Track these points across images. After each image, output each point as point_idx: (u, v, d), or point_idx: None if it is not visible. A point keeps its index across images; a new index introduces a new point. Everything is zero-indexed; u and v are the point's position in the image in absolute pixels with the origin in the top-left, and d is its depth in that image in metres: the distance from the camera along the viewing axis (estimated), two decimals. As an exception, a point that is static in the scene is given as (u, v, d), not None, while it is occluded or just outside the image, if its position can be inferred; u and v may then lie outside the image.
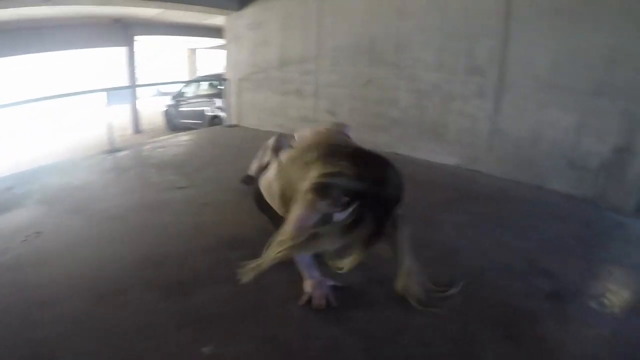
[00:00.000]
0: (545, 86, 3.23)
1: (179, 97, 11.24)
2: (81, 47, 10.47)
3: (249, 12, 5.90)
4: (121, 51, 11.38)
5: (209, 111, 9.64)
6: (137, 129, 12.17)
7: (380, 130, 4.57)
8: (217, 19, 8.21)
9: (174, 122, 11.56)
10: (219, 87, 8.83)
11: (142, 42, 12.52)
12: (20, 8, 6.69)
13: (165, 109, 12.04)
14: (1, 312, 1.88)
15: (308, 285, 1.83)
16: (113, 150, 5.04)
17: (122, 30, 10.67)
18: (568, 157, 3.22)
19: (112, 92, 5.13)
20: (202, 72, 16.92)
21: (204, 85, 10.43)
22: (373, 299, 1.89)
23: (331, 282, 1.88)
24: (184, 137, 5.98)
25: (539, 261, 2.23)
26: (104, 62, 16.79)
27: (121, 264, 2.25)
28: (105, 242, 2.62)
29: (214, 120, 9.42)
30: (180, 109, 11.03)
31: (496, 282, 2.03)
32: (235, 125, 6.54)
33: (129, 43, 11.19)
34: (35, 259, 2.40)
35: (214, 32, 11.04)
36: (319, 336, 1.65)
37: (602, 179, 3.11)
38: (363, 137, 4.52)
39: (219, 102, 9.04)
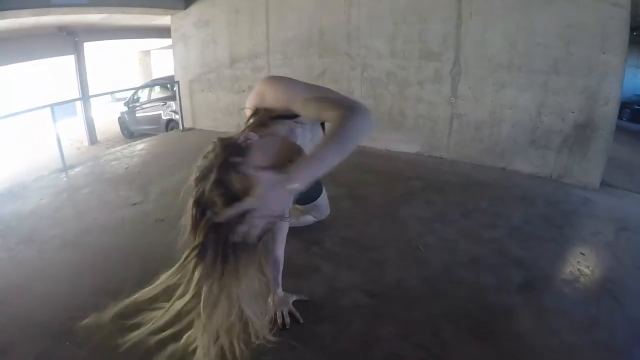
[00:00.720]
0: (502, 67, 3.19)
1: (133, 102, 10.87)
2: (28, 59, 9.99)
3: (194, 10, 5.68)
4: (70, 60, 10.88)
5: (164, 115, 9.35)
6: (93, 140, 11.76)
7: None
8: (165, 19, 7.92)
9: (129, 129, 11.23)
10: (173, 89, 8.54)
11: (92, 49, 11.99)
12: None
13: (119, 116, 11.65)
14: None
15: (272, 302, 1.72)
16: (65, 168, 4.78)
17: (68, 38, 10.25)
18: (530, 137, 3.20)
19: (56, 106, 4.82)
20: (157, 74, 16.41)
21: (157, 89, 10.09)
22: (337, 311, 1.78)
23: (294, 297, 1.77)
24: (138, 147, 5.73)
25: (508, 250, 2.16)
26: (54, 73, 16.09)
27: (77, 297, 2.11)
28: (60, 273, 2.48)
29: (170, 123, 9.15)
30: (135, 114, 10.67)
31: (466, 278, 1.95)
32: (190, 129, 6.32)
33: (78, 51, 10.71)
34: None
35: (165, 32, 10.66)
36: (286, 357, 1.53)
37: (565, 157, 3.09)
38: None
39: (173, 104, 8.76)
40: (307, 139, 1.51)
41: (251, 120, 1.32)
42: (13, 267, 2.64)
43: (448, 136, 3.59)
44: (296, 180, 1.08)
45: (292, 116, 1.33)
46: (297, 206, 2.38)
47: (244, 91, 5.36)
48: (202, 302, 1.16)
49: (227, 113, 5.74)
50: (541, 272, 1.98)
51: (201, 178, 1.11)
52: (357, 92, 4.16)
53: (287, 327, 1.63)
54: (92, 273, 2.37)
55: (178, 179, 3.22)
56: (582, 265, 2.02)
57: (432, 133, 3.70)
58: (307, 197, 2.30)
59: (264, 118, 1.33)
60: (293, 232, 2.29)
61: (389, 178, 3.33)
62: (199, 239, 1.11)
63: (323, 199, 2.33)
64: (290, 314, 1.69)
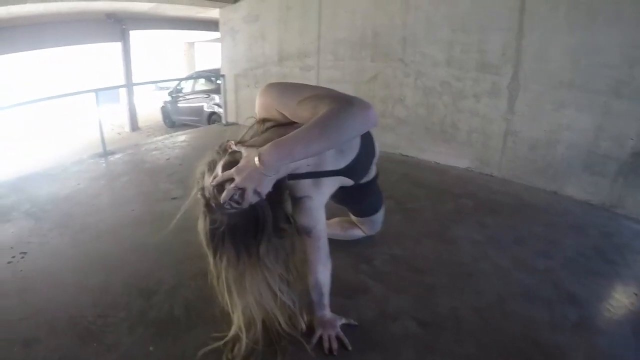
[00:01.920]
0: (562, 85, 3.09)
1: (176, 93, 11.24)
2: (75, 44, 10.47)
3: (244, 4, 5.79)
4: (116, 46, 11.37)
5: (207, 107, 9.62)
6: (134, 127, 12.23)
7: (385, 129, 4.42)
8: (213, 12, 8.15)
9: (171, 119, 11.63)
10: (217, 82, 8.77)
11: (138, 37, 12.48)
12: (11, 6, 6.67)
13: (162, 105, 12.07)
14: None
15: (318, 324, 1.67)
16: (105, 153, 4.97)
17: (115, 25, 10.69)
18: (585, 162, 3.10)
19: (101, 91, 5.06)
20: (201, 66, 16.93)
21: (202, 81, 10.40)
22: (387, 339, 1.74)
23: (343, 320, 1.72)
24: (180, 138, 5.89)
25: (562, 283, 2.10)
26: (100, 58, 16.80)
27: (108, 294, 2.14)
28: (92, 265, 2.52)
29: (212, 116, 9.41)
30: (178, 105, 11.03)
31: (519, 311, 1.89)
32: (233, 124, 6.45)
33: (124, 38, 11.17)
34: (20, 286, 2.33)
35: (212, 25, 11.04)
36: None
37: (620, 186, 2.98)
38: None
39: (217, 98, 8.99)
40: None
41: (247, 131, 1.46)
42: (44, 254, 2.70)
43: (501, 153, 3.52)
44: (265, 157, 1.19)
45: (290, 124, 1.38)
46: (351, 217, 2.36)
47: (290, 90, 5.43)
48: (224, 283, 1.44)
49: (271, 111, 5.82)
50: (595, 310, 1.93)
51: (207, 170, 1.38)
52: (409, 100, 4.13)
53: (335, 353, 1.59)
54: (125, 269, 2.39)
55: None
56: (635, 307, 1.95)
57: (484, 149, 3.64)
58: (365, 210, 2.28)
59: (258, 130, 1.44)
60: (340, 244, 2.30)
61: (438, 193, 3.29)
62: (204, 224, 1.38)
63: (380, 215, 2.30)
64: (338, 338, 1.64)
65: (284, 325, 1.53)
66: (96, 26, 10.30)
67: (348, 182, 1.78)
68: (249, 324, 1.51)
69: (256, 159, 1.20)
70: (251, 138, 1.41)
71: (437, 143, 4.01)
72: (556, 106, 3.14)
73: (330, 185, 1.71)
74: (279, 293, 1.49)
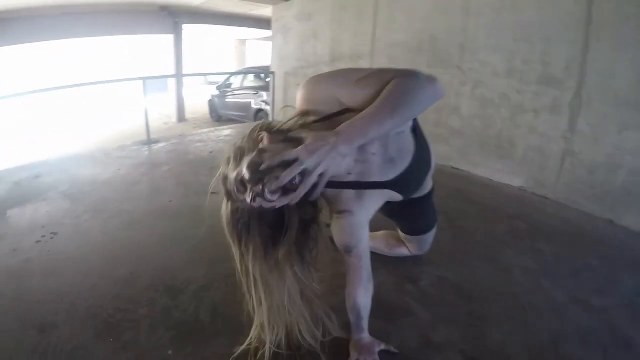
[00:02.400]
0: (628, 105, 2.96)
1: (225, 87, 11.53)
2: (127, 34, 11.00)
3: (298, 2, 5.89)
4: (168, 39, 11.79)
5: (254, 104, 9.80)
6: (182, 118, 12.65)
7: (438, 140, 4.37)
8: (266, 10, 8.34)
9: (218, 113, 11.95)
10: (266, 80, 8.93)
11: (191, 31, 12.90)
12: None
13: (210, 99, 12.42)
14: None
15: (355, 348, 1.60)
16: (149, 142, 5.18)
17: (168, 18, 11.12)
18: None
19: (149, 81, 5.27)
20: (251, 64, 17.31)
21: (251, 77, 10.62)
22: None
23: (382, 346, 1.64)
24: (225, 132, 6.06)
25: (619, 326, 1.99)
26: (150, 49, 17.48)
27: (133, 288, 2.18)
28: (121, 254, 2.59)
29: (259, 113, 9.58)
30: (226, 100, 11.30)
31: (573, 354, 1.79)
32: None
33: (177, 31, 11.57)
34: (45, 267, 2.43)
35: (264, 23, 11.31)
36: None
37: None
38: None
39: (265, 95, 9.16)
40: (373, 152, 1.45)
41: (284, 122, 1.35)
42: (74, 237, 2.81)
43: (557, 175, 3.42)
44: (344, 135, 1.16)
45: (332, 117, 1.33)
46: (399, 233, 2.28)
47: (341, 92, 5.47)
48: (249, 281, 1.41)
49: (320, 111, 5.87)
50: None
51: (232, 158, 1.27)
52: (464, 110, 4.09)
53: None
54: (154, 262, 2.42)
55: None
56: None
57: (540, 169, 3.54)
58: (416, 228, 2.19)
59: (296, 123, 1.35)
60: (384, 259, 2.29)
61: (490, 212, 3.24)
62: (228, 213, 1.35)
63: (432, 235, 2.20)
64: None
65: (305, 334, 1.51)
66: (149, 18, 10.77)
67: (396, 197, 1.62)
68: (272, 326, 1.49)
69: (333, 137, 1.17)
70: (289, 130, 1.32)
71: (492, 158, 3.94)
72: (620, 128, 3.02)
73: (376, 200, 1.57)
74: (307, 301, 1.50)
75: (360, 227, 1.52)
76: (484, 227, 2.98)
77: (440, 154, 4.14)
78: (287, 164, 1.15)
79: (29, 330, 1.86)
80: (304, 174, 1.16)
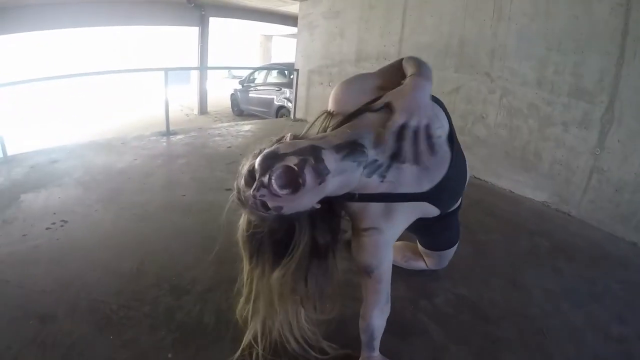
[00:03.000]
0: None
1: (248, 82, 11.60)
2: (153, 24, 11.17)
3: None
4: (194, 31, 11.91)
5: (276, 100, 9.85)
6: (204, 110, 12.78)
7: (462, 148, 4.31)
8: (292, 7, 8.38)
9: (240, 108, 12.08)
10: (290, 76, 8.95)
11: (217, 25, 13.01)
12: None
13: (232, 93, 12.53)
14: None
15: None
16: (167, 133, 5.23)
17: (195, 10, 11.24)
18: None
19: (171, 72, 5.30)
20: (275, 60, 17.44)
21: (274, 73, 10.67)
22: None
23: None
24: (245, 127, 6.10)
25: (635, 357, 1.94)
26: (176, 41, 17.67)
27: (138, 283, 2.19)
28: (129, 247, 2.60)
29: (281, 110, 9.62)
30: (249, 94, 11.38)
31: None
32: (301, 120, 6.59)
33: (203, 24, 11.69)
34: (51, 256, 2.47)
35: (290, 20, 11.41)
36: None
37: None
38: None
39: (287, 92, 9.19)
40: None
41: (311, 123, 1.38)
42: (84, 226, 2.85)
43: (583, 192, 3.34)
44: (420, 76, 1.32)
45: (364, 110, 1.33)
46: (418, 245, 2.21)
47: (365, 93, 5.44)
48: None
49: (343, 111, 5.85)
50: None
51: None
52: (491, 118, 4.02)
53: None
54: (161, 259, 2.43)
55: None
56: None
57: (565, 184, 3.46)
58: (438, 243, 2.11)
59: (325, 124, 1.37)
60: (398, 271, 2.16)
61: (512, 227, 3.19)
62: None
63: (452, 251, 2.13)
64: None
65: (293, 345, 1.50)
66: (176, 9, 10.92)
67: (432, 211, 1.48)
68: (264, 334, 1.49)
69: (412, 81, 1.28)
70: (317, 133, 1.32)
71: (516, 170, 3.87)
72: None
73: (407, 215, 1.45)
74: (302, 319, 1.48)
75: (385, 246, 1.41)
76: (505, 243, 2.94)
77: None
78: (302, 152, 1.12)
79: (30, 320, 1.88)
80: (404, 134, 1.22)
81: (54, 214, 2.97)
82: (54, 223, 2.84)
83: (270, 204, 1.12)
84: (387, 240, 1.40)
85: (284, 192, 1.09)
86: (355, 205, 1.37)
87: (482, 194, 3.83)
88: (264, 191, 1.11)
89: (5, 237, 2.64)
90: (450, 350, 1.85)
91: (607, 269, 2.73)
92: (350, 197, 1.30)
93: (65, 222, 2.87)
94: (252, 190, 1.13)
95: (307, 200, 1.14)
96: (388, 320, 1.60)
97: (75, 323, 1.87)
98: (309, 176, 1.09)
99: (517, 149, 3.84)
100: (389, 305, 1.52)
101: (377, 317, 1.50)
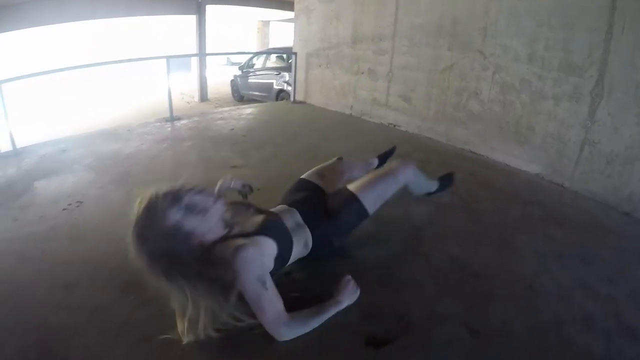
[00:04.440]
0: None
1: (247, 67, 11.65)
2: (150, 14, 11.16)
3: (321, -17, 5.91)
4: (191, 19, 11.92)
5: (276, 84, 9.92)
6: (204, 97, 12.83)
7: (457, 123, 4.45)
8: (289, -9, 8.39)
9: (240, 93, 12.13)
10: (289, 61, 8.99)
11: (214, 12, 13.00)
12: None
13: (232, 79, 12.57)
14: (23, 289, 2.04)
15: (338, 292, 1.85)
16: (171, 118, 5.34)
17: (192, -1, 11.18)
18: None
19: (172, 59, 5.37)
20: (273, 45, 17.44)
21: (273, 58, 10.73)
22: (434, 341, 1.76)
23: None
24: (246, 110, 6.20)
25: (624, 315, 2.02)
26: (173, 30, 17.67)
27: None
28: None
29: (281, 94, 9.70)
30: (248, 80, 11.43)
31: (575, 338, 1.84)
32: (301, 102, 6.67)
33: (200, 11, 11.70)
34: (70, 233, 2.59)
35: (287, 4, 11.39)
36: None
37: None
38: (438, 129, 4.54)
39: (287, 76, 9.25)
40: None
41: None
42: (99, 206, 2.99)
43: (575, 163, 3.42)
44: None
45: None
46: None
47: (362, 73, 5.49)
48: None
49: (341, 92, 5.92)
50: None
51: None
52: (484, 94, 4.10)
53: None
54: None
55: (283, 149, 3.56)
56: None
57: (558, 156, 3.54)
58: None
59: None
60: (396, 232, 2.48)
61: (505, 197, 3.29)
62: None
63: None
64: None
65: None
66: (173, -2, 10.89)
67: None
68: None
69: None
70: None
71: (510, 144, 3.97)
72: None
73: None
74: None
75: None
76: (498, 211, 3.04)
77: (458, 138, 4.27)
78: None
79: (54, 289, 2.03)
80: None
81: (69, 196, 3.10)
82: (69, 204, 2.97)
83: (168, 210, 1.60)
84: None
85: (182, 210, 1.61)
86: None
87: (477, 167, 3.93)
88: (170, 197, 1.61)
89: (24, 219, 2.78)
90: (444, 302, 1.99)
91: (598, 236, 2.82)
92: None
93: (81, 202, 3.01)
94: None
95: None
96: (385, 274, 1.98)
97: (97, 289, 2.03)
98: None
99: (511, 124, 3.93)
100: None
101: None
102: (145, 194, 1.57)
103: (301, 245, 1.99)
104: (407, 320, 1.85)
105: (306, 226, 2.04)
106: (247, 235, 1.69)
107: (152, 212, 1.54)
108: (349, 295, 1.85)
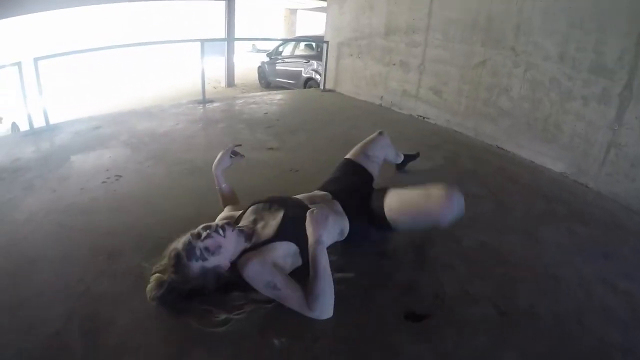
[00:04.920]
0: None
1: (275, 55, 11.75)
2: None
3: (355, -27, 5.98)
4: (220, 5, 12.04)
5: (304, 72, 9.99)
6: (230, 83, 12.92)
7: (486, 119, 4.53)
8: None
9: (267, 80, 12.22)
10: (318, 49, 9.08)
11: (242, -1, 13.14)
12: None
13: (259, 65, 12.67)
14: (66, 257, 2.15)
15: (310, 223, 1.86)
16: (204, 101, 5.47)
17: (221, -15, 11.27)
18: None
19: (206, 43, 5.49)
20: (300, 33, 17.52)
21: (302, 46, 10.81)
22: (467, 318, 1.91)
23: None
24: (277, 96, 6.32)
25: None
26: (203, 15, 17.83)
27: (193, 226, 2.22)
28: (184, 196, 2.84)
29: (309, 82, 9.78)
30: (276, 67, 11.53)
31: (594, 326, 1.97)
32: (330, 90, 6.76)
33: (229, -2, 11.80)
34: (112, 204, 2.72)
35: (316, -7, 11.38)
36: (406, 351, 1.71)
37: None
38: (468, 124, 4.64)
39: (315, 64, 9.33)
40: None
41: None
42: (139, 180, 3.08)
43: (601, 165, 3.48)
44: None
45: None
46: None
47: (394, 64, 5.58)
48: None
49: (371, 83, 6.02)
50: None
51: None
52: (514, 91, 4.18)
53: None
54: (216, 205, 2.54)
55: (316, 135, 3.70)
56: None
57: (583, 156, 3.61)
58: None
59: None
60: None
61: (530, 192, 3.39)
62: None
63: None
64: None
65: None
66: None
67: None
68: None
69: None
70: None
71: (537, 141, 4.04)
72: None
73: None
74: None
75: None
76: (524, 205, 3.15)
77: (487, 133, 4.42)
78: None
79: (98, 257, 2.15)
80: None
81: (107, 170, 3.23)
82: (108, 178, 3.09)
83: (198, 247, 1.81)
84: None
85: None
86: None
87: (505, 163, 4.03)
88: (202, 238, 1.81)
89: (64, 191, 2.90)
90: (475, 284, 2.14)
91: (619, 236, 2.91)
92: None
93: (120, 176, 3.13)
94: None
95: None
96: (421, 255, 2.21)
97: (142, 257, 2.10)
98: None
99: (539, 121, 4.00)
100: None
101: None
102: (171, 252, 1.80)
103: (335, 233, 2.11)
104: (442, 298, 2.01)
105: (346, 216, 2.17)
106: (264, 243, 1.88)
107: (179, 268, 1.75)
108: (320, 225, 1.84)
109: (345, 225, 2.16)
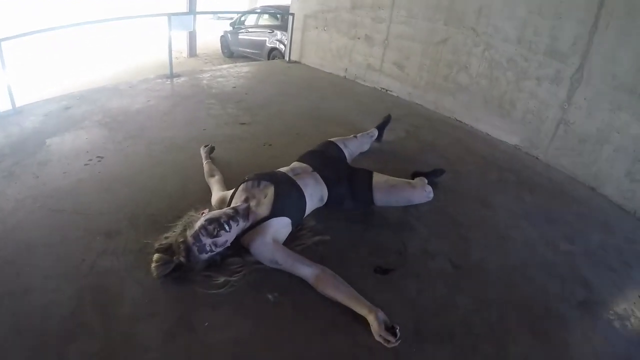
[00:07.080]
0: (623, 88, 3.21)
1: (238, 24, 11.52)
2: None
3: (323, -55, 5.97)
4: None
5: (269, 42, 9.88)
6: (193, 53, 12.59)
7: (446, 93, 4.73)
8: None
9: (230, 49, 11.98)
10: (282, 19, 9.00)
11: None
12: None
13: (222, 34, 12.39)
14: (63, 240, 2.16)
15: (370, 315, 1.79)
16: (171, 75, 5.34)
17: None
18: (628, 168, 3.24)
19: (174, 17, 5.36)
20: (263, 2, 17.11)
21: (266, 16, 10.65)
22: (427, 272, 2.21)
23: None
24: (244, 69, 6.23)
25: (578, 267, 2.44)
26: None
27: (185, 200, 2.47)
28: (168, 174, 2.86)
29: (273, 52, 9.68)
30: (239, 36, 11.32)
31: (537, 278, 2.29)
32: (296, 62, 6.77)
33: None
34: (98, 186, 2.68)
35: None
36: (375, 299, 1.88)
37: None
38: (428, 98, 4.81)
39: (279, 34, 9.24)
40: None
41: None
42: (121, 160, 3.03)
43: (550, 139, 3.74)
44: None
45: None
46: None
47: (359, 38, 5.65)
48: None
49: (337, 55, 6.08)
50: (600, 299, 2.22)
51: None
52: (473, 69, 4.38)
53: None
54: (201, 179, 2.70)
55: (286, 108, 3.82)
56: (636, 307, 2.20)
57: (535, 131, 3.87)
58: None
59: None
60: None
61: (485, 163, 3.65)
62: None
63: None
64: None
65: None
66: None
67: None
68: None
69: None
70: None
71: (493, 116, 4.28)
72: (613, 107, 3.29)
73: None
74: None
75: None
76: (478, 173, 3.44)
77: (446, 107, 4.68)
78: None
79: (96, 237, 2.18)
80: None
81: (87, 152, 3.09)
82: (90, 160, 2.98)
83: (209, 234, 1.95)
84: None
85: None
86: None
87: (462, 134, 4.28)
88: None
89: (46, 176, 2.78)
90: (433, 241, 2.46)
91: (564, 203, 3.22)
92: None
93: (102, 157, 3.03)
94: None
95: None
96: (385, 221, 2.53)
97: (140, 233, 2.21)
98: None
99: (495, 98, 4.24)
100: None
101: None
102: (180, 244, 1.96)
103: (316, 200, 2.36)
104: (404, 255, 2.31)
105: (325, 185, 2.40)
106: (261, 221, 2.07)
107: (190, 258, 1.93)
108: (377, 329, 1.73)
109: (325, 193, 2.39)
